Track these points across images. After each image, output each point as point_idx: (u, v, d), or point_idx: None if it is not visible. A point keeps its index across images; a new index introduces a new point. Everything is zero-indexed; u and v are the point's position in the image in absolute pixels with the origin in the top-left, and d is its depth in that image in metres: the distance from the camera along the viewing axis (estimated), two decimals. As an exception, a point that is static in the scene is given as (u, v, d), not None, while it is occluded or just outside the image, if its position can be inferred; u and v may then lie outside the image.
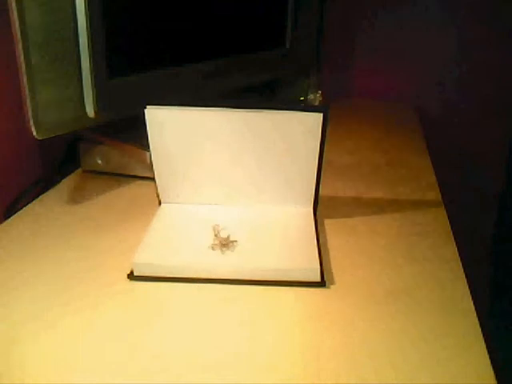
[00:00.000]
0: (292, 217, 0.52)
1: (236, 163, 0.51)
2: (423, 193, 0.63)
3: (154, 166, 0.52)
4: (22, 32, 0.47)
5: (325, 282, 0.44)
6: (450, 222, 0.56)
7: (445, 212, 0.58)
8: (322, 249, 0.48)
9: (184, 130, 0.49)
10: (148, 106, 0.49)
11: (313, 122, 0.48)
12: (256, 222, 0.50)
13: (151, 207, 0.58)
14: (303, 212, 0.52)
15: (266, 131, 0.49)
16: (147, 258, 0.45)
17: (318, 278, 0.44)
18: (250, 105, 0.48)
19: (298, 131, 0.49)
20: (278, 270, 0.44)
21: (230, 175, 0.52)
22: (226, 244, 0.45)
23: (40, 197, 0.62)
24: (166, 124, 0.49)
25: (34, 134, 0.50)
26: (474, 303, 0.42)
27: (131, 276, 0.45)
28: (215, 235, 0.47)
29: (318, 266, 0.44)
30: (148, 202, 0.60)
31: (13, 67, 0.48)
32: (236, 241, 0.46)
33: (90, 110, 0.54)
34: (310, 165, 0.50)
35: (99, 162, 0.67)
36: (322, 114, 0.48)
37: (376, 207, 0.59)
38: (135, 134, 0.65)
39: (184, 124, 0.49)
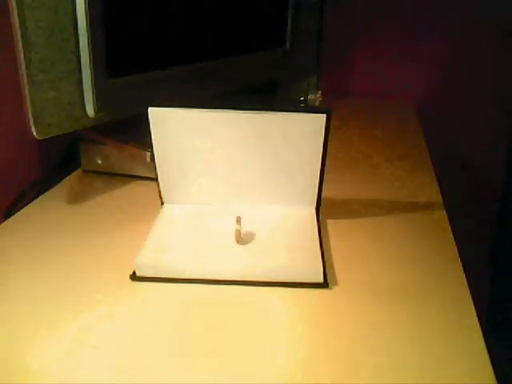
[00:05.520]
0: (295, 217, 0.52)
1: (239, 164, 0.51)
2: (423, 193, 0.63)
3: (156, 167, 0.52)
4: (22, 32, 0.47)
5: (327, 283, 0.44)
6: (450, 222, 0.56)
7: (445, 212, 0.58)
8: (324, 249, 0.48)
9: (187, 130, 0.49)
10: (151, 107, 0.49)
11: (316, 123, 0.48)
12: (259, 223, 0.50)
13: (152, 207, 0.58)
14: (306, 213, 0.52)
15: (269, 132, 0.49)
16: (150, 259, 0.45)
17: (320, 279, 0.44)
18: (253, 106, 0.48)
19: (301, 132, 0.49)
20: (281, 271, 0.44)
21: (233, 176, 0.52)
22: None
23: (40, 197, 0.62)
24: (169, 124, 0.49)
25: (34, 134, 0.50)
26: (474, 303, 0.42)
27: (133, 277, 0.45)
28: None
29: (321, 267, 0.43)
30: (148, 202, 0.60)
31: (13, 67, 0.48)
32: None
33: (90, 110, 0.54)
34: (313, 165, 0.50)
35: (99, 162, 0.67)
36: (325, 115, 0.48)
37: (377, 207, 0.59)
38: (135, 134, 0.65)
39: (188, 125, 0.49)
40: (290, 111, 0.48)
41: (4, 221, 0.56)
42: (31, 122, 0.49)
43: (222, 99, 0.76)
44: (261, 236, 0.48)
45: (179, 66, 0.65)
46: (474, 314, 0.41)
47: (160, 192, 0.54)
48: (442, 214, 0.58)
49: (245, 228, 0.49)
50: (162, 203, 0.54)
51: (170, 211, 0.53)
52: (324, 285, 0.44)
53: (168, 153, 0.51)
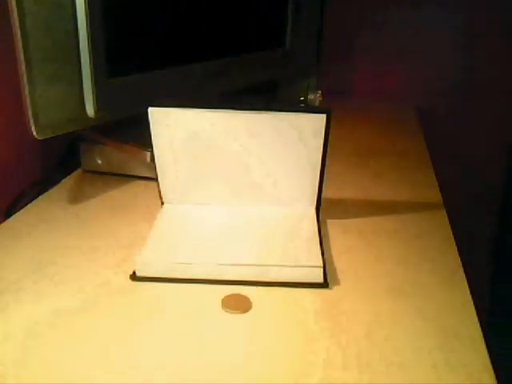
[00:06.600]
0: (295, 217, 0.52)
1: (239, 164, 0.51)
2: (423, 193, 0.63)
3: (156, 167, 0.52)
4: (22, 32, 0.47)
5: (327, 283, 0.44)
6: (450, 222, 0.56)
7: (445, 212, 0.58)
8: (324, 249, 0.49)
9: (187, 130, 0.49)
10: (151, 107, 0.49)
11: (316, 123, 0.48)
12: (259, 223, 0.50)
13: (152, 207, 0.58)
14: (306, 213, 0.52)
15: (269, 132, 0.49)
16: (150, 259, 0.45)
17: (320, 279, 0.44)
18: (253, 106, 0.48)
19: (301, 132, 0.49)
20: (281, 271, 0.44)
21: (233, 176, 0.52)
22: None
23: (40, 197, 0.62)
24: (169, 124, 0.49)
25: (34, 134, 0.50)
26: (474, 303, 0.42)
27: (133, 277, 0.45)
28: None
29: (321, 267, 0.43)
30: (148, 201, 0.60)
31: (13, 67, 0.48)
32: None
33: (90, 110, 0.54)
34: (313, 165, 0.50)
35: (99, 162, 0.67)
36: (325, 115, 0.48)
37: (377, 207, 0.59)
38: (135, 133, 0.65)
39: (187, 125, 0.49)
40: (290, 111, 0.48)
41: (4, 221, 0.56)
42: (31, 121, 0.49)
43: (222, 99, 0.76)
44: (261, 236, 0.48)
45: (179, 66, 0.65)
46: (474, 313, 0.41)
47: (160, 192, 0.54)
48: (442, 214, 0.58)
49: (245, 228, 0.49)
50: (162, 203, 0.54)
51: (170, 211, 0.53)
52: (324, 285, 0.44)
53: (168, 153, 0.51)
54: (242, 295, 0.42)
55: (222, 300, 0.41)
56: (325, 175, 0.51)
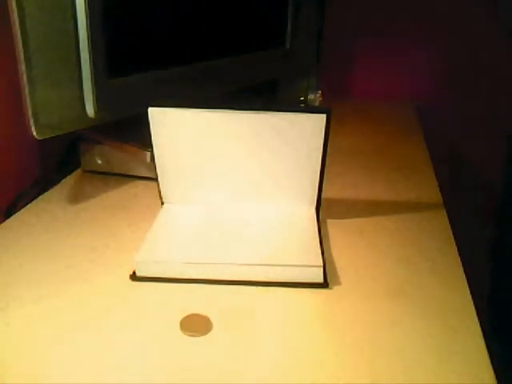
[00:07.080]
0: (295, 217, 0.52)
1: (239, 164, 0.51)
2: (423, 193, 0.63)
3: (156, 167, 0.52)
4: (22, 32, 0.47)
5: (327, 283, 0.44)
6: (450, 222, 0.56)
7: (445, 212, 0.58)
8: (324, 249, 0.49)
9: (187, 130, 0.49)
10: (151, 107, 0.49)
11: (316, 123, 0.48)
12: (258, 223, 0.51)
13: (151, 207, 0.58)
14: (306, 213, 0.52)
15: (269, 132, 0.49)
16: (150, 259, 0.45)
17: (320, 279, 0.44)
18: (253, 106, 0.48)
19: (301, 132, 0.49)
20: (281, 271, 0.44)
21: (233, 176, 0.52)
22: None
23: (40, 197, 0.62)
24: (169, 124, 0.49)
25: (34, 134, 0.50)
26: (474, 303, 0.42)
27: (133, 277, 0.45)
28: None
29: (321, 267, 0.43)
30: (148, 202, 0.60)
31: (13, 67, 0.48)
32: None
33: (90, 110, 0.54)
34: (314, 165, 0.50)
35: (99, 161, 0.67)
36: (325, 115, 0.48)
37: (377, 207, 0.59)
38: (135, 133, 0.65)
39: (187, 125, 0.49)
40: (289, 111, 0.48)
41: (4, 221, 0.56)
42: (31, 121, 0.49)
43: (221, 99, 0.76)
44: (261, 236, 0.48)
45: (179, 67, 0.65)
46: (474, 313, 0.41)
47: (160, 192, 0.54)
48: (442, 214, 0.58)
49: (245, 228, 0.49)
50: (162, 203, 0.54)
51: (170, 211, 0.53)
52: (324, 285, 0.44)
53: (168, 153, 0.51)
54: (203, 316, 0.39)
55: (181, 322, 0.39)
56: (325, 175, 0.51)
